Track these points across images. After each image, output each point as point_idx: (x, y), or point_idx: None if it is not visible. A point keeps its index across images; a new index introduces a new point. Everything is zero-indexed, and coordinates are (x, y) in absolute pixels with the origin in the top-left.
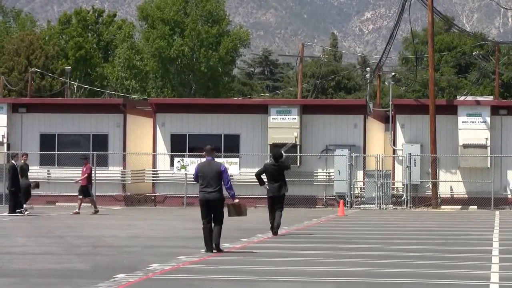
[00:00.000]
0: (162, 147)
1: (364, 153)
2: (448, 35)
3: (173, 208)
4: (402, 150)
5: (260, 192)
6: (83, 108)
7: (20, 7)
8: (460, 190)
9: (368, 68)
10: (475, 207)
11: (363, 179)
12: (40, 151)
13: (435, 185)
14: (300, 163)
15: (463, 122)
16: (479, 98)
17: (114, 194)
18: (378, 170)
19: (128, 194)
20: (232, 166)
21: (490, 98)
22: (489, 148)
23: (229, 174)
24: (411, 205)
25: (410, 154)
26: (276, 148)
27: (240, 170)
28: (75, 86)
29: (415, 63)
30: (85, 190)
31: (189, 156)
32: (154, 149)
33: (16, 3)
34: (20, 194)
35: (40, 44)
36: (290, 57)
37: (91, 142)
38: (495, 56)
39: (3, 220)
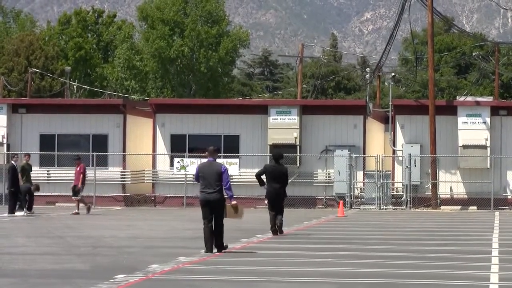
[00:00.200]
0: (162, 147)
1: (364, 153)
2: (448, 36)
3: (172, 208)
4: (401, 150)
5: (260, 192)
6: (83, 109)
7: (20, 7)
8: (459, 190)
9: (368, 69)
10: (475, 207)
11: (363, 180)
12: (40, 151)
13: (434, 186)
14: (300, 163)
15: (462, 122)
16: (479, 99)
17: (114, 194)
18: (378, 171)
19: (128, 194)
20: (232, 167)
21: (490, 98)
22: (488, 148)
23: (229, 174)
24: (411, 205)
25: (410, 154)
26: (276, 148)
27: (239, 171)
28: (74, 87)
29: (415, 64)
30: (75, 190)
31: (189, 157)
32: (154, 150)
33: (16, 4)
34: (20, 196)
35: (40, 44)
36: (290, 57)
37: (91, 142)
38: (494, 56)
39: (3, 220)
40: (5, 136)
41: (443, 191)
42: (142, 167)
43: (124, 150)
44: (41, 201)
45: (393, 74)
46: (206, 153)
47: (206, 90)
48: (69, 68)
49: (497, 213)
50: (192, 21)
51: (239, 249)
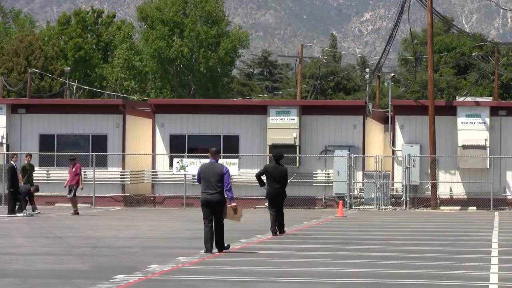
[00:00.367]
0: (162, 147)
1: (364, 153)
2: (447, 36)
3: (172, 208)
4: (401, 151)
5: (259, 193)
6: (82, 109)
7: (19, 7)
8: (459, 191)
9: (367, 69)
10: (475, 208)
11: (363, 180)
12: (40, 151)
13: (434, 186)
14: (299, 163)
15: (462, 123)
16: (478, 99)
17: (113, 194)
18: (377, 171)
19: (127, 194)
20: (232, 167)
21: (490, 99)
22: (488, 149)
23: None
24: (411, 206)
25: (410, 155)
26: (276, 149)
27: (239, 171)
28: (74, 87)
29: (415, 64)
30: (70, 189)
31: (189, 157)
32: (154, 150)
33: (16, 4)
34: (20, 197)
35: (40, 44)
36: (290, 57)
37: (91, 142)
38: (494, 57)
39: (3, 220)
40: (5, 136)
41: (443, 191)
42: (142, 167)
43: (123, 150)
44: (41, 202)
45: (392, 74)
46: (209, 153)
47: (206, 90)
48: (69, 68)
49: (496, 213)
50: (192, 21)
51: (238, 249)
